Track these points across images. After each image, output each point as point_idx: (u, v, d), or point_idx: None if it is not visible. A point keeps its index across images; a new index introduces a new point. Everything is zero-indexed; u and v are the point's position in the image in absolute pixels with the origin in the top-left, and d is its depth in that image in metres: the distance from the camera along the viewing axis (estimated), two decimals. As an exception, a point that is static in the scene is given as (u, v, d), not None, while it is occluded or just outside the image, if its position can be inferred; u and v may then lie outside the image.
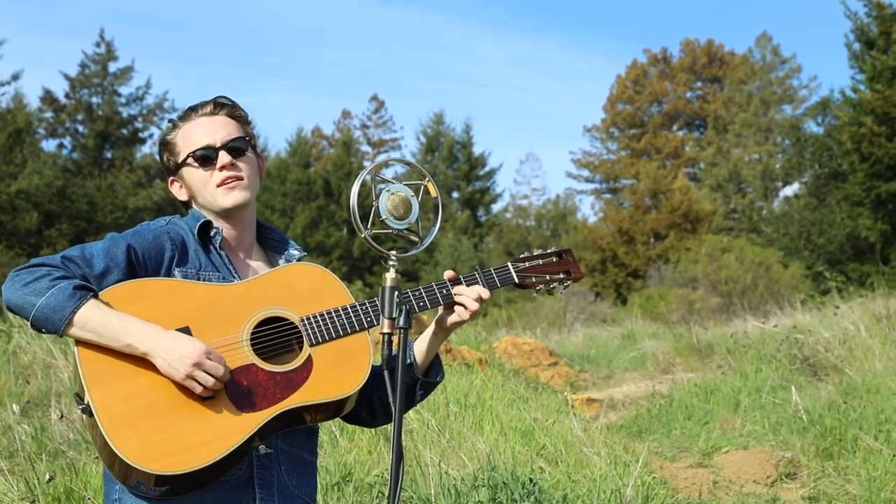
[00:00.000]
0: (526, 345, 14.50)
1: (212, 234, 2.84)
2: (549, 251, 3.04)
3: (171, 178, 2.93)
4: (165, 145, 2.90)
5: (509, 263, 2.98)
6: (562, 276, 3.03)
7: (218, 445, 2.53)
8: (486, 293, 2.86)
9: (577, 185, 62.73)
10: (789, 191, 47.04)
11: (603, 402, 11.60)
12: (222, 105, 2.89)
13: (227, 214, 2.85)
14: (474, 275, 2.91)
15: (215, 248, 2.83)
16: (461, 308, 2.85)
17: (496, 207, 55.02)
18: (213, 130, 2.84)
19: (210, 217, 2.86)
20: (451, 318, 2.87)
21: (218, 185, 2.81)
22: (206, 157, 2.82)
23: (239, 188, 2.82)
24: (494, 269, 2.95)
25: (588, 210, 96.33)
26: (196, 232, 2.82)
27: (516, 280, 2.96)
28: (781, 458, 8.03)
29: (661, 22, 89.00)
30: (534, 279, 2.98)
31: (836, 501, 7.12)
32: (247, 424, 2.57)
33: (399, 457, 2.52)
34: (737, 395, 10.26)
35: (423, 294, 2.83)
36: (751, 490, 7.53)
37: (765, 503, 7.11)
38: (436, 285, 2.86)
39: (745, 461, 8.06)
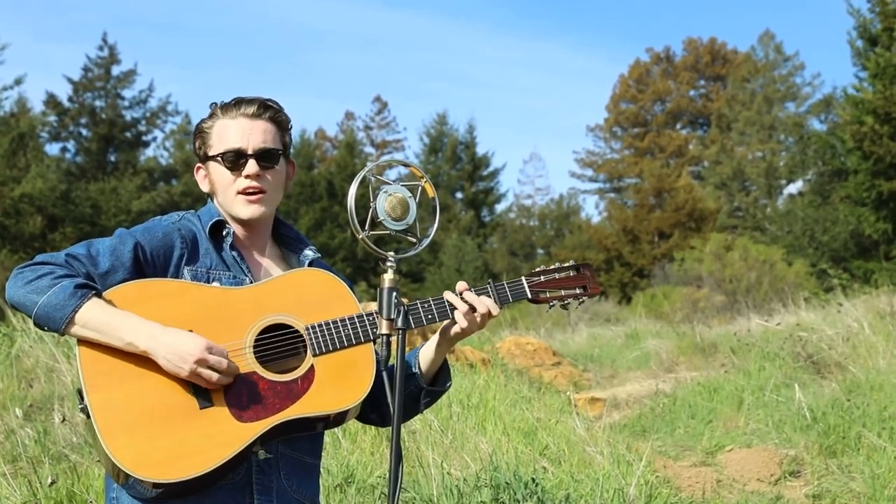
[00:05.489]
0: (529, 345, 14.50)
1: (224, 234, 2.81)
2: (566, 265, 2.96)
3: (198, 165, 2.89)
4: (200, 132, 2.85)
5: (523, 278, 2.90)
6: (577, 291, 2.93)
7: (213, 455, 2.51)
8: (494, 308, 2.80)
9: (580, 185, 62.70)
10: (793, 188, 47.12)
11: (606, 402, 11.60)
12: (267, 108, 2.83)
13: (241, 221, 2.84)
14: (486, 287, 2.84)
15: (227, 248, 2.80)
16: (459, 318, 2.78)
17: (500, 207, 55.13)
18: (250, 135, 2.78)
19: (225, 214, 2.84)
20: (455, 329, 2.81)
21: (239, 192, 2.78)
22: (235, 161, 2.78)
23: (259, 202, 2.78)
24: (507, 283, 2.87)
25: (592, 209, 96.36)
26: (208, 230, 2.80)
27: (529, 295, 2.87)
28: (785, 456, 8.02)
29: (663, 21, 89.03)
30: (548, 294, 2.90)
31: (840, 499, 7.11)
32: (243, 434, 2.55)
33: (398, 457, 2.50)
34: (740, 394, 10.25)
35: (433, 305, 2.79)
36: (754, 488, 7.53)
37: (768, 501, 7.10)
38: (444, 295, 2.81)
39: (748, 459, 8.05)
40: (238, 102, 2.83)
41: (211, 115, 2.85)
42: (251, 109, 2.81)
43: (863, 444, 7.87)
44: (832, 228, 33.12)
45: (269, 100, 2.86)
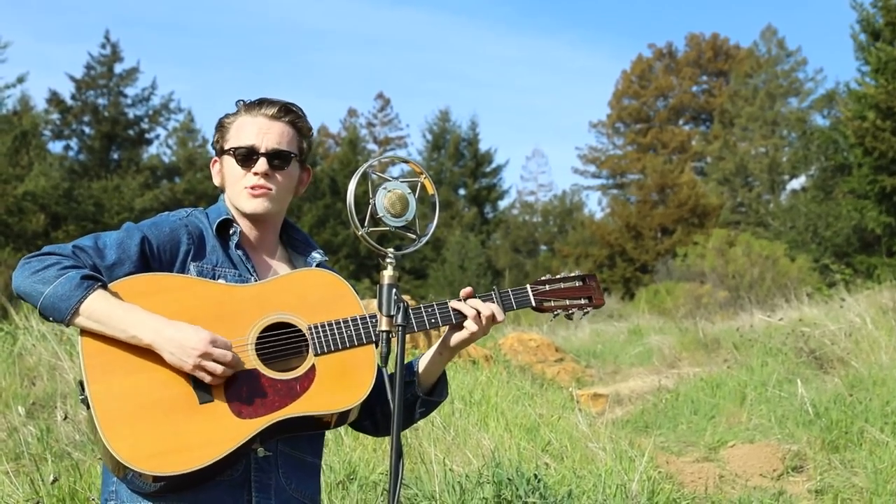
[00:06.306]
0: (532, 341, 14.52)
1: (230, 232, 2.82)
2: (572, 275, 2.97)
3: (215, 158, 2.92)
4: (220, 126, 2.88)
5: (528, 286, 2.91)
6: (582, 301, 2.95)
7: (211, 450, 2.51)
8: (500, 314, 2.81)
9: (583, 181, 62.90)
10: (796, 184, 47.08)
11: (609, 398, 11.60)
12: (288, 111, 2.85)
13: (247, 216, 2.85)
14: (491, 294, 2.85)
15: (233, 246, 2.82)
16: (469, 323, 2.78)
17: (503, 204, 55.16)
18: (265, 134, 2.81)
19: (234, 212, 2.85)
20: (457, 336, 2.81)
21: (245, 187, 2.80)
22: (246, 158, 2.80)
23: (263, 198, 2.80)
24: (512, 291, 2.89)
25: (595, 205, 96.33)
26: (215, 228, 2.81)
27: (533, 303, 2.89)
28: (787, 451, 8.03)
29: (665, 16, 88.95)
30: (553, 303, 2.92)
31: (843, 494, 7.11)
32: (242, 431, 2.55)
33: (399, 454, 2.50)
34: (743, 389, 10.25)
35: (436, 310, 2.79)
36: (757, 484, 7.53)
37: (771, 497, 7.10)
38: (449, 302, 2.82)
39: (751, 455, 8.06)
40: (261, 102, 2.86)
41: (234, 112, 2.88)
42: (272, 111, 2.84)
43: (865, 440, 7.87)
44: (835, 224, 33.10)
45: (293, 104, 2.89)
